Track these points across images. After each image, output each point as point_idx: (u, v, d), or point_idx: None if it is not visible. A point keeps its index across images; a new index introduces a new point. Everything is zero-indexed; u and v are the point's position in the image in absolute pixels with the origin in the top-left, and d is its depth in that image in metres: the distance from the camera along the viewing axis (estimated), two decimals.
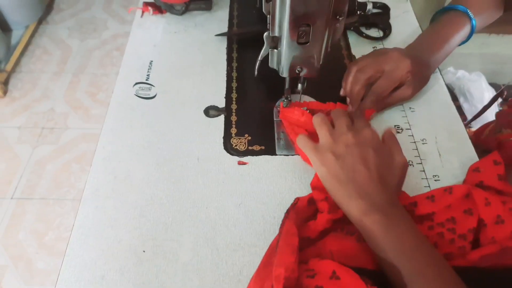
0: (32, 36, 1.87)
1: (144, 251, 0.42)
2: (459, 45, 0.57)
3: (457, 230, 0.41)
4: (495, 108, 1.04)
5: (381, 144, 0.44)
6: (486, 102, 1.19)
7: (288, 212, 0.41)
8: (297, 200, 0.43)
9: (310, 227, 0.41)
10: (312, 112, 0.52)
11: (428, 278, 0.35)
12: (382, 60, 0.52)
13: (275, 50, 0.46)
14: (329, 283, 0.34)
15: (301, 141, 0.46)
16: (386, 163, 0.42)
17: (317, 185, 0.45)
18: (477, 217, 0.41)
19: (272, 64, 0.48)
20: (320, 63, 0.46)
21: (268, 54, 0.47)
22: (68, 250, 0.43)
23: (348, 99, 0.54)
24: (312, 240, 0.41)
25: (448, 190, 0.43)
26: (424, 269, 0.35)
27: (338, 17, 0.42)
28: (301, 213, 0.42)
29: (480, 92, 1.21)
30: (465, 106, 1.21)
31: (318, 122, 0.46)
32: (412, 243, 0.37)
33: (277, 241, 0.38)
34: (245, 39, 0.66)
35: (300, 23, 0.41)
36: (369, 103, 0.52)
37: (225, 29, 0.68)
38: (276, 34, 0.44)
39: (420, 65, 0.53)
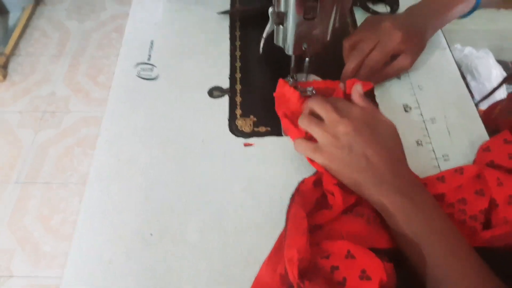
0: (29, 18, 1.83)
1: (151, 234, 0.42)
2: (465, 16, 0.55)
3: (468, 211, 0.40)
4: (504, 87, 1.02)
5: (368, 114, 0.42)
6: (493, 80, 1.16)
7: (293, 196, 0.40)
8: (300, 183, 0.42)
9: (324, 215, 0.40)
10: (320, 91, 0.51)
11: (458, 258, 0.35)
12: (374, 32, 0.51)
13: (281, 26, 0.44)
14: (345, 262, 0.34)
15: (300, 146, 0.44)
16: (383, 133, 0.41)
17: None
18: (489, 197, 0.40)
19: (278, 41, 0.47)
20: (328, 39, 0.45)
21: (273, 31, 0.46)
22: (76, 233, 0.42)
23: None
24: (320, 225, 0.40)
25: (459, 170, 0.42)
26: (454, 250, 0.35)
27: None
28: (307, 196, 0.41)
29: (487, 69, 1.18)
30: (472, 84, 1.19)
31: (306, 123, 0.43)
32: (439, 225, 0.36)
33: (285, 227, 0.37)
34: (248, 16, 0.64)
35: None
36: (363, 76, 0.51)
37: (227, 6, 0.66)
38: (282, 9, 0.42)
39: (414, 34, 0.52)
